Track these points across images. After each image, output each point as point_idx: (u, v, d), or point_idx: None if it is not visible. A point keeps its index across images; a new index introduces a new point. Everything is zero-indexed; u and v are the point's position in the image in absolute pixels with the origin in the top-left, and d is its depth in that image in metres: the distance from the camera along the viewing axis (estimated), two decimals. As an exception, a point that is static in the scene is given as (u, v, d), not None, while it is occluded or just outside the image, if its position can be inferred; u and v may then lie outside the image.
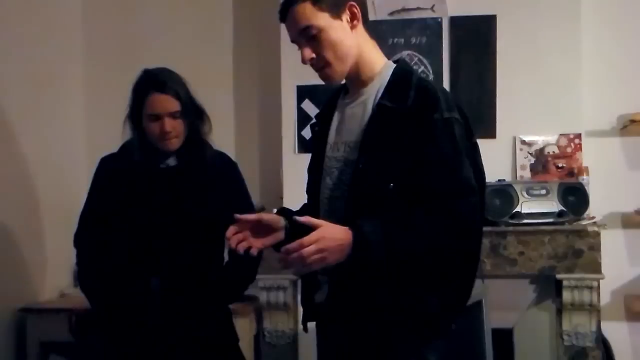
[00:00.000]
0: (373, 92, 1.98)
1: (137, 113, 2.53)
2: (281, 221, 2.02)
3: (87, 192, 2.68)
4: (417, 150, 1.86)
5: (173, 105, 2.51)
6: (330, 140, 2.06)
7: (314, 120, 2.26)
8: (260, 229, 2.00)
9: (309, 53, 1.96)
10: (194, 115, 2.56)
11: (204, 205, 2.54)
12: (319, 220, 1.83)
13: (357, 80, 2.01)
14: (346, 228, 1.81)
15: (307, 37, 1.95)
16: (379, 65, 2.01)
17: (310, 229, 1.80)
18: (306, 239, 1.77)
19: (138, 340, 2.52)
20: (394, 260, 1.82)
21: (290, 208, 2.13)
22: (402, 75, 1.98)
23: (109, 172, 2.63)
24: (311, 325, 2.11)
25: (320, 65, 1.98)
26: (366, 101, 1.99)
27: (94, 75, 4.42)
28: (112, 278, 2.54)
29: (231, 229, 1.98)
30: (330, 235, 1.79)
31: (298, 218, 1.84)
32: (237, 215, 1.98)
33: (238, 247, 1.96)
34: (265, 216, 2.03)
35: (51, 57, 4.19)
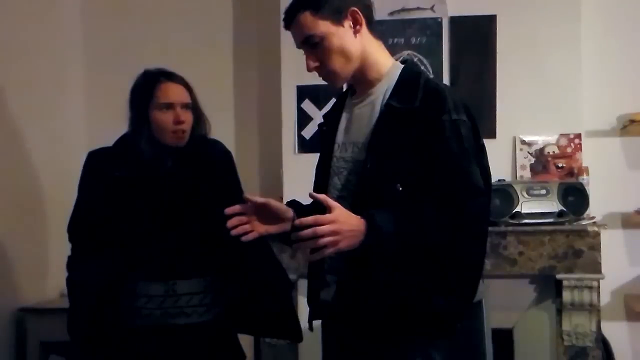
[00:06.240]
0: (381, 93, 1.98)
1: (144, 105, 2.44)
2: (290, 212, 2.00)
3: (79, 187, 2.56)
4: (425, 151, 1.86)
5: (185, 96, 2.47)
6: (338, 140, 2.06)
7: (321, 120, 2.24)
8: (267, 215, 1.98)
9: (313, 62, 1.98)
10: (199, 112, 2.52)
11: (201, 212, 2.46)
12: (335, 202, 1.82)
13: (364, 81, 2.02)
14: (359, 217, 1.81)
15: (310, 45, 1.96)
16: (386, 66, 2.02)
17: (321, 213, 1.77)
18: (321, 217, 1.76)
19: (136, 341, 2.49)
20: (404, 253, 1.83)
21: (301, 201, 2.09)
22: (410, 76, 1.98)
23: (106, 170, 2.49)
24: (315, 324, 2.11)
25: (324, 72, 1.99)
26: (374, 101, 1.99)
27: (94, 76, 4.43)
28: (106, 283, 2.44)
29: (233, 208, 1.95)
30: (344, 220, 1.79)
31: (315, 195, 1.82)
32: (246, 195, 1.96)
33: (234, 231, 1.93)
34: (273, 202, 1.99)
35: (51, 58, 4.19)
